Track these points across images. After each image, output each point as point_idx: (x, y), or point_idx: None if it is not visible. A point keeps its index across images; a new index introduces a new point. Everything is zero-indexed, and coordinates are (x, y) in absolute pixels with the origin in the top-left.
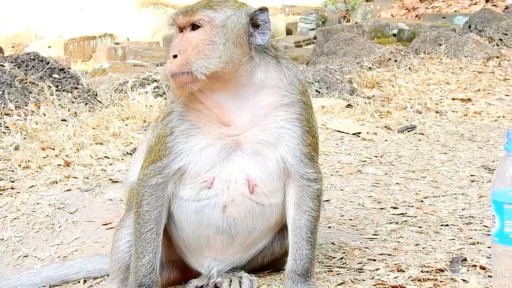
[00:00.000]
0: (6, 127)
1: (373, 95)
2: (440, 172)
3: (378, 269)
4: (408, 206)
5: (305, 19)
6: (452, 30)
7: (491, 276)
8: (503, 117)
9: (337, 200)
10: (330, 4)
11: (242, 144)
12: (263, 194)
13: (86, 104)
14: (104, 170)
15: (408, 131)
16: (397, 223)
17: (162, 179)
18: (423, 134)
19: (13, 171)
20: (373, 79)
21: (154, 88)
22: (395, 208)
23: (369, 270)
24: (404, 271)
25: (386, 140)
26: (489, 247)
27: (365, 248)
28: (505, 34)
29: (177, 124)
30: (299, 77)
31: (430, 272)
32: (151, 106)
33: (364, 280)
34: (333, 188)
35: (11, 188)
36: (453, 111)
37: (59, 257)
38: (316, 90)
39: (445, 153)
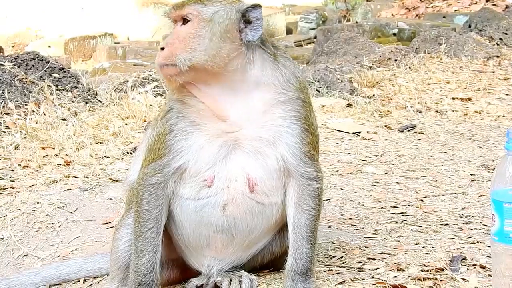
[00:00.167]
0: (6, 126)
1: (373, 95)
2: (440, 171)
3: (378, 268)
4: (408, 205)
5: (305, 19)
6: (452, 29)
7: (491, 275)
8: (503, 116)
9: (337, 199)
10: (330, 3)
11: (241, 141)
12: (263, 193)
13: (86, 103)
14: (104, 170)
15: (408, 131)
16: (397, 222)
17: (162, 177)
18: (423, 133)
19: (13, 170)
20: (373, 79)
21: (154, 88)
22: (395, 207)
23: (369, 269)
24: (404, 270)
25: (386, 140)
26: (489, 246)
27: (365, 247)
28: (505, 34)
29: (176, 121)
30: (297, 74)
31: (430, 271)
32: (151, 105)
33: (364, 279)
34: (333, 187)
35: (11, 187)
36: (453, 111)
37: (59, 256)
38: (316, 90)
39: (445, 152)
